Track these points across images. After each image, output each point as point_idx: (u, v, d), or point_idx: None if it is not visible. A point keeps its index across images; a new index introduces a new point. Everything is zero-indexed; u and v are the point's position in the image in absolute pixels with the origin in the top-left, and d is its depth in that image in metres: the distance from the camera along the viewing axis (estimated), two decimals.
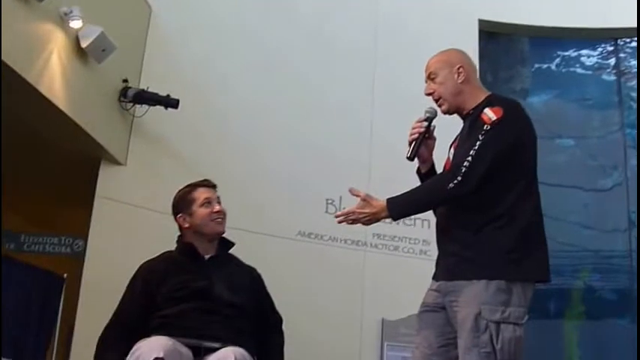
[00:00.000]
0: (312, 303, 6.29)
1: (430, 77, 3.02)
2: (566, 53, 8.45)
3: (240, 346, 3.18)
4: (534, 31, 8.27)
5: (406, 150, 3.00)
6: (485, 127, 2.77)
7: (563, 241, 7.74)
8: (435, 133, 3.09)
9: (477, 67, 7.10)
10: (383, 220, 2.89)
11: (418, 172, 3.11)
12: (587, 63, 8.45)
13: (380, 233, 6.74)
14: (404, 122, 3.25)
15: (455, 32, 7.05)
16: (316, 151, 6.85)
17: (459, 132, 3.02)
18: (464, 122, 2.99)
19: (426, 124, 3.01)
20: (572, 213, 7.86)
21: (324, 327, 6.22)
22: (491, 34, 8.17)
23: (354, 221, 2.87)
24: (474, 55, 7.69)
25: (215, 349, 3.16)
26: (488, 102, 2.88)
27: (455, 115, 3.01)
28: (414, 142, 3.00)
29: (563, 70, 8.46)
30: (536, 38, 8.40)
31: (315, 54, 7.21)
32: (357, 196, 2.88)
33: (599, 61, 8.44)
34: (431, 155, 3.08)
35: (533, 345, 7.18)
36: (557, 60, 8.45)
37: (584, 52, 8.46)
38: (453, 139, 3.05)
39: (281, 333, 3.59)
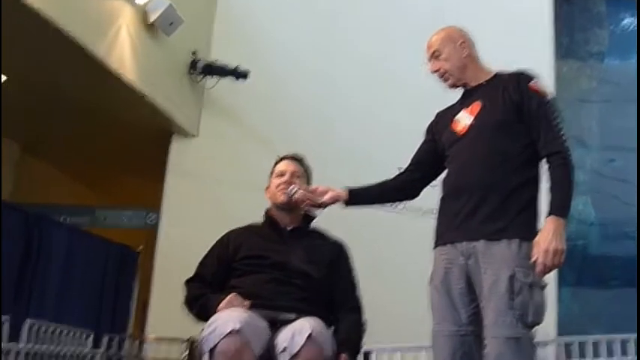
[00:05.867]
0: (382, 270, 6.23)
1: (434, 55, 3.14)
2: None
3: (316, 317, 3.12)
4: None
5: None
6: (546, 99, 2.92)
7: None
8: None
9: (553, 29, 6.89)
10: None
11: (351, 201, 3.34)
12: None
13: None
14: None
15: None
16: (385, 120, 6.75)
17: (458, 100, 3.17)
18: (472, 92, 3.10)
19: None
20: None
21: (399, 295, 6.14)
22: None
23: (552, 268, 2.69)
24: (548, 17, 7.63)
25: (291, 321, 3.11)
26: (521, 76, 2.98)
27: None
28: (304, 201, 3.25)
29: None
30: None
31: (382, 26, 7.07)
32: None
33: None
34: (327, 191, 3.28)
35: (612, 312, 7.04)
36: (635, 20, 8.17)
37: None
38: (450, 108, 3.19)
39: (359, 311, 3.42)
